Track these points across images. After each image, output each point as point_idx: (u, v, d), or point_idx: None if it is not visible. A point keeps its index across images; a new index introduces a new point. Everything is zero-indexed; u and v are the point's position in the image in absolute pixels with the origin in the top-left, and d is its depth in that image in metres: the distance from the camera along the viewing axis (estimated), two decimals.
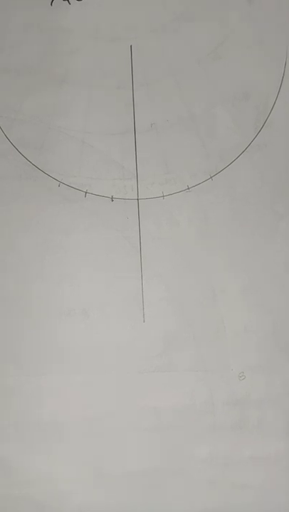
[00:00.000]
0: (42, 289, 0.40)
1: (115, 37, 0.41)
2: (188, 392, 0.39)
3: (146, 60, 0.41)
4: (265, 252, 0.40)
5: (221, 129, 0.41)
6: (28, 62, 0.41)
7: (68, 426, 0.39)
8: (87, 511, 0.39)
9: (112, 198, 0.41)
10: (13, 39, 0.41)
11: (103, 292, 0.40)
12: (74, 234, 0.40)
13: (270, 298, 0.40)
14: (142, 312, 0.40)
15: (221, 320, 0.39)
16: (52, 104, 0.41)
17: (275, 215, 0.40)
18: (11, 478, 0.39)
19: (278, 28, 0.41)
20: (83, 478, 0.39)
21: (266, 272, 0.40)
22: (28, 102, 0.41)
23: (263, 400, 0.39)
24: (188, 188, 0.40)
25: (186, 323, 0.39)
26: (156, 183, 0.40)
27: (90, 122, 0.41)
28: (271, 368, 0.39)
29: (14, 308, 0.40)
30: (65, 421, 0.39)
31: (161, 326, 0.40)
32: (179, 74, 0.41)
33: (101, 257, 0.40)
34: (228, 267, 0.40)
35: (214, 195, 0.40)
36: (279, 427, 0.39)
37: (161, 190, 0.40)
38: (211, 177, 0.40)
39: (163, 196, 0.40)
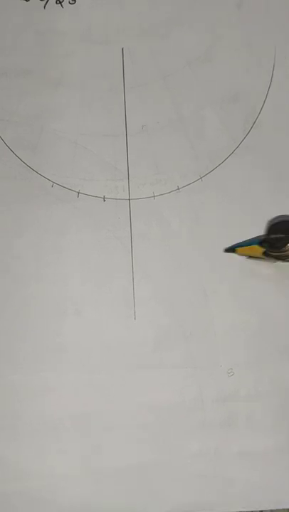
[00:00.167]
0: (36, 288, 0.40)
1: (107, 40, 0.42)
2: (177, 388, 0.40)
3: (138, 62, 0.42)
4: None
5: (210, 131, 0.41)
6: (22, 65, 0.42)
7: (61, 423, 0.39)
8: (80, 506, 0.39)
9: (104, 198, 0.41)
10: (7, 42, 0.42)
11: (95, 291, 0.40)
12: (67, 234, 0.41)
13: (258, 297, 0.40)
14: (133, 310, 0.40)
15: (210, 318, 0.40)
16: (46, 106, 0.42)
17: (265, 214, 0.40)
18: (4, 473, 0.39)
19: (267, 32, 0.42)
20: (75, 474, 0.39)
21: (255, 270, 0.40)
22: (23, 104, 0.42)
23: (252, 396, 0.39)
24: (178, 189, 0.41)
25: (177, 322, 0.40)
26: (147, 184, 0.41)
27: (83, 124, 0.42)
28: (259, 365, 0.40)
29: (8, 308, 0.40)
30: (58, 418, 0.39)
31: (152, 324, 0.40)
32: (169, 76, 0.42)
33: (93, 257, 0.41)
34: (218, 267, 0.40)
35: (204, 195, 0.41)
36: (267, 423, 0.39)
37: (152, 191, 0.41)
38: (200, 177, 0.41)
39: (154, 196, 0.41)
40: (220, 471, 0.39)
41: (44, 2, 0.42)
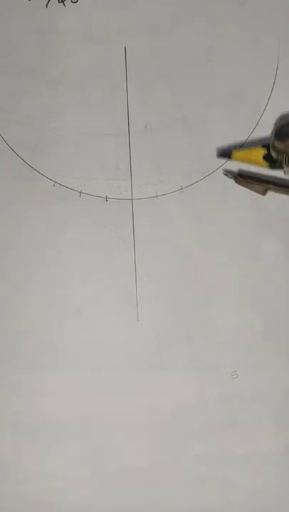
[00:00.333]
0: (37, 288, 0.40)
1: (109, 39, 0.42)
2: (180, 390, 0.39)
3: (140, 62, 0.42)
4: (258, 252, 0.40)
5: (214, 130, 0.41)
6: (24, 64, 0.42)
7: (63, 424, 0.39)
8: (81, 508, 0.39)
9: (106, 198, 0.41)
10: (8, 41, 0.42)
11: (97, 291, 0.40)
12: (69, 233, 0.41)
13: (261, 298, 0.40)
14: (136, 311, 0.40)
15: (213, 319, 0.40)
16: (47, 106, 0.42)
17: (267, 214, 0.40)
18: (6, 475, 0.39)
19: (270, 30, 0.41)
20: (77, 476, 0.39)
21: (258, 272, 0.40)
22: (24, 104, 0.42)
23: (255, 399, 0.39)
24: (181, 188, 0.41)
25: (180, 323, 0.40)
26: (150, 184, 0.41)
27: (85, 123, 0.41)
28: (263, 367, 0.39)
29: (8, 308, 0.40)
30: (60, 419, 0.39)
31: (155, 325, 0.40)
32: (172, 76, 0.41)
33: (95, 257, 0.40)
34: (221, 267, 0.40)
35: (207, 195, 0.41)
36: (270, 426, 0.39)
37: (155, 191, 0.41)
38: (204, 177, 0.41)
39: (157, 196, 0.41)
40: (222, 474, 0.39)
41: (46, 1, 0.42)
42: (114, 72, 0.42)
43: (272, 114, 0.41)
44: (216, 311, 0.40)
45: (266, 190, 0.38)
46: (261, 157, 0.38)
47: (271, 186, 0.38)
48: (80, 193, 0.41)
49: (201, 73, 0.41)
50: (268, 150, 0.38)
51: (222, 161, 0.41)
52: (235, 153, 0.39)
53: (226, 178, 0.40)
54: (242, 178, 0.39)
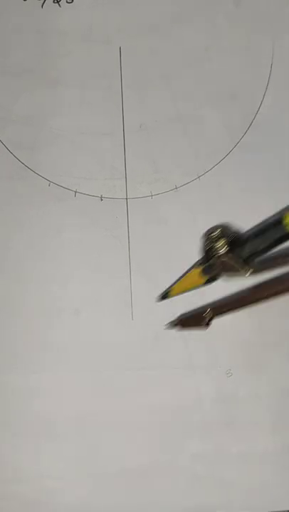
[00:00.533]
0: (33, 288, 0.40)
1: (104, 39, 0.42)
2: (176, 389, 0.39)
3: (136, 61, 0.42)
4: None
5: (209, 130, 0.41)
6: (20, 64, 0.42)
7: (59, 423, 0.39)
8: (77, 508, 0.39)
9: (101, 197, 0.41)
10: (4, 41, 0.42)
11: (93, 291, 0.40)
12: (64, 233, 0.41)
13: None
14: (131, 310, 0.40)
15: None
16: (43, 105, 0.42)
17: (261, 214, 0.40)
18: (2, 475, 0.39)
19: (265, 31, 0.42)
20: (74, 476, 0.39)
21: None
22: (20, 103, 0.42)
23: (250, 397, 0.39)
24: (176, 188, 0.41)
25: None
26: (144, 183, 0.41)
27: (81, 123, 0.42)
28: (258, 365, 0.39)
29: (5, 308, 0.40)
30: (56, 419, 0.39)
31: (150, 324, 0.40)
32: (167, 75, 0.42)
33: (91, 256, 0.40)
34: None
35: (202, 194, 0.41)
36: (266, 424, 0.39)
37: (150, 190, 0.41)
38: (198, 177, 0.41)
39: (151, 196, 0.41)
40: (219, 473, 0.39)
41: (42, 1, 0.42)
42: (109, 71, 0.42)
43: (266, 114, 0.41)
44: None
45: (210, 321, 0.39)
46: (199, 276, 0.39)
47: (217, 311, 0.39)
48: (76, 192, 0.41)
49: (196, 73, 0.42)
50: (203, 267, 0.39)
51: (217, 160, 0.41)
52: (173, 289, 0.40)
53: (221, 177, 0.41)
54: (184, 321, 0.39)
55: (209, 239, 0.38)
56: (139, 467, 0.39)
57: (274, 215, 0.38)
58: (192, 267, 0.39)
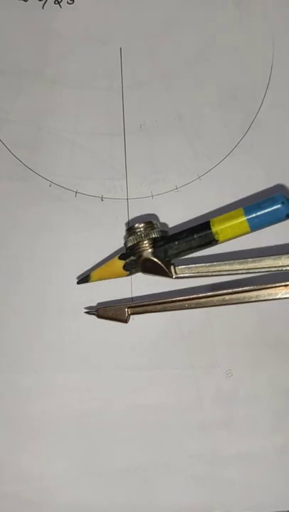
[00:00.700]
0: (32, 288, 0.40)
1: (105, 39, 0.42)
2: (175, 389, 0.39)
3: (136, 62, 0.42)
4: (253, 250, 0.40)
5: (209, 130, 0.41)
6: (19, 64, 0.42)
7: (59, 423, 0.39)
8: (75, 508, 0.39)
9: (102, 197, 0.41)
10: (4, 41, 0.42)
11: (93, 291, 0.40)
12: (65, 233, 0.41)
13: None
14: None
15: (208, 318, 0.40)
16: (43, 105, 0.42)
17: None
18: (1, 475, 0.39)
19: (265, 31, 0.42)
20: (72, 475, 0.39)
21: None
22: (20, 103, 0.42)
23: (250, 397, 0.39)
24: (176, 188, 0.41)
25: (174, 321, 0.40)
26: (145, 183, 0.41)
27: (81, 123, 0.42)
28: (258, 365, 0.39)
29: (4, 308, 0.40)
30: (54, 418, 0.39)
31: (150, 324, 0.40)
32: (167, 75, 0.42)
33: (91, 257, 0.40)
34: None
35: (202, 195, 0.41)
36: (265, 424, 0.39)
37: (150, 190, 0.41)
38: (199, 177, 0.41)
39: (152, 196, 0.41)
40: (218, 473, 0.39)
41: (42, 2, 0.43)
42: (109, 72, 0.42)
43: (266, 114, 0.41)
44: (210, 310, 0.40)
45: (128, 316, 0.39)
46: (121, 269, 0.38)
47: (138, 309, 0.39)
48: (76, 192, 0.41)
49: (196, 73, 0.42)
50: (126, 259, 0.38)
51: (218, 160, 0.41)
52: (93, 274, 0.39)
53: (221, 177, 0.41)
54: (102, 310, 0.39)
55: (134, 234, 0.38)
56: (139, 467, 0.39)
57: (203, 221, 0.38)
58: (114, 257, 0.39)
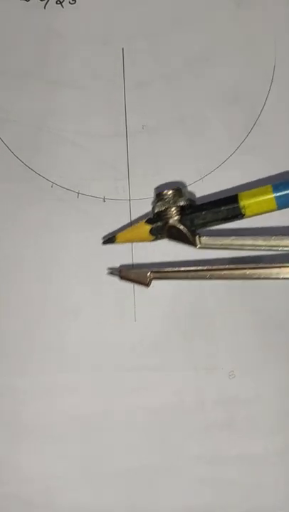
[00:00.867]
0: (34, 288, 0.40)
1: (107, 40, 0.42)
2: (178, 391, 0.39)
3: (138, 62, 0.42)
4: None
5: (211, 131, 0.41)
6: (21, 65, 0.42)
7: (60, 424, 0.39)
8: (77, 509, 0.39)
9: (104, 198, 0.41)
10: (6, 42, 0.42)
11: (95, 292, 0.40)
12: (66, 234, 0.41)
13: (260, 298, 0.40)
14: (134, 311, 0.40)
15: (211, 319, 0.40)
16: (45, 106, 0.42)
17: (265, 215, 0.40)
18: (3, 476, 0.39)
19: (267, 31, 0.41)
20: (73, 477, 0.39)
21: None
22: (22, 104, 0.42)
23: (253, 399, 0.39)
24: None
25: (177, 323, 0.40)
26: (147, 184, 0.41)
27: (83, 124, 0.42)
28: (261, 367, 0.39)
29: (6, 309, 0.40)
30: (55, 419, 0.39)
31: (152, 325, 0.40)
32: (169, 76, 0.42)
33: (92, 257, 0.40)
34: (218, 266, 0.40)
35: (205, 196, 0.41)
36: (268, 426, 0.39)
37: (153, 192, 0.41)
38: (201, 178, 0.41)
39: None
40: (220, 474, 0.39)
41: (44, 2, 0.42)
42: (111, 72, 0.42)
43: (269, 115, 0.41)
44: (213, 311, 0.40)
45: (150, 281, 0.39)
46: (147, 233, 0.38)
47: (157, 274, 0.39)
48: (78, 193, 0.41)
49: (198, 74, 0.41)
50: (152, 224, 0.38)
51: (220, 161, 0.41)
52: (119, 236, 0.39)
53: (224, 178, 0.40)
54: (125, 273, 0.39)
55: (162, 200, 0.38)
56: (141, 468, 0.39)
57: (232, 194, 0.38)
58: (141, 220, 0.39)
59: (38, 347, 0.40)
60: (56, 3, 0.42)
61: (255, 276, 0.38)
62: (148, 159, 0.41)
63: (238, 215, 0.37)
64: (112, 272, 0.40)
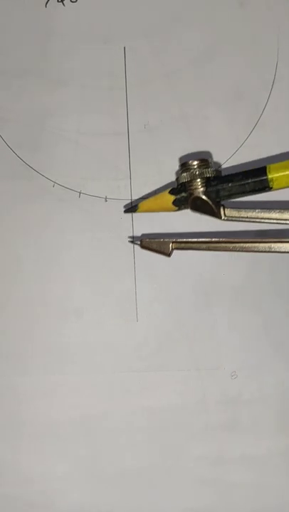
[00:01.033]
0: (35, 288, 0.40)
1: (109, 38, 0.42)
2: (180, 391, 0.39)
3: (140, 61, 0.41)
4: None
5: (213, 130, 0.41)
6: (22, 63, 0.42)
7: (61, 425, 0.39)
8: (80, 510, 0.39)
9: (105, 198, 0.41)
10: (7, 40, 0.42)
11: (96, 292, 0.40)
12: (68, 234, 0.40)
13: (262, 298, 0.40)
14: (136, 312, 0.40)
15: (213, 319, 0.40)
16: (47, 105, 0.41)
17: None
18: (4, 477, 0.39)
19: (269, 30, 0.41)
20: (75, 478, 0.39)
21: (258, 271, 0.40)
22: (23, 103, 0.41)
23: (255, 399, 0.39)
24: None
25: (179, 323, 0.40)
26: (149, 184, 0.41)
27: (84, 123, 0.41)
28: (263, 367, 0.39)
29: (8, 309, 0.40)
30: (58, 420, 0.39)
31: (154, 325, 0.40)
32: (171, 75, 0.41)
33: (94, 257, 0.40)
34: (222, 267, 0.40)
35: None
36: (270, 426, 0.39)
37: (155, 191, 0.41)
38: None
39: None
40: (222, 475, 0.39)
41: (45, 0, 0.42)
42: (113, 71, 0.41)
43: (271, 114, 0.41)
44: (216, 311, 0.40)
45: (172, 251, 0.38)
46: (170, 203, 0.38)
47: (181, 244, 0.39)
48: (80, 193, 0.41)
49: (200, 72, 0.41)
50: (176, 195, 0.38)
51: (222, 160, 0.41)
52: (142, 204, 0.39)
53: None
54: (147, 241, 0.39)
55: (187, 171, 0.37)
56: (143, 469, 0.39)
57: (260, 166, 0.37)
58: (165, 190, 0.38)
59: (39, 347, 0.40)
60: (57, 1, 0.42)
61: (281, 250, 0.37)
62: (150, 158, 0.41)
63: (266, 187, 0.36)
64: (133, 240, 0.39)
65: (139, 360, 0.39)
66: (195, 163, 0.37)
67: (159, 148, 0.41)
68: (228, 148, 0.41)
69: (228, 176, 0.37)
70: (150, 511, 0.39)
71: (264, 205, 0.38)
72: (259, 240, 0.38)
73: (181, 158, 0.40)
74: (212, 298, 0.40)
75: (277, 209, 0.37)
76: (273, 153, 0.41)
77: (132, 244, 0.40)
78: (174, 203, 0.38)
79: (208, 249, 0.38)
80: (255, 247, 0.38)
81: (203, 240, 0.38)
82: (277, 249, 0.37)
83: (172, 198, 0.38)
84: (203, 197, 0.37)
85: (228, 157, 0.41)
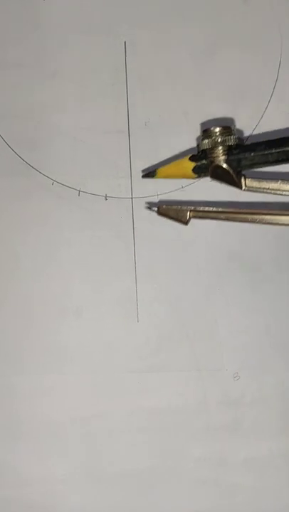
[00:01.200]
0: (34, 287, 0.40)
1: (109, 33, 0.41)
2: (181, 392, 0.39)
3: (141, 56, 0.41)
4: (259, 251, 0.40)
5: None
6: (21, 58, 0.41)
7: (61, 426, 0.39)
8: (80, 511, 0.39)
9: (105, 196, 0.40)
10: (5, 34, 0.41)
11: (96, 291, 0.40)
12: (67, 232, 0.40)
13: (263, 299, 0.39)
14: (136, 312, 0.39)
15: (214, 320, 0.39)
16: (45, 102, 0.41)
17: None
18: (5, 478, 0.39)
19: (273, 28, 0.41)
20: (76, 479, 0.39)
21: (259, 271, 0.39)
22: (21, 99, 0.41)
23: (257, 401, 0.39)
24: (182, 187, 0.40)
25: (180, 323, 0.39)
26: (150, 182, 0.40)
27: (84, 120, 0.41)
28: (265, 369, 0.39)
29: (7, 308, 0.39)
30: (58, 421, 0.39)
31: (155, 325, 0.39)
32: (173, 71, 0.41)
33: (94, 256, 0.40)
34: (222, 268, 0.40)
35: (209, 194, 0.40)
36: (272, 428, 0.39)
37: (156, 189, 0.40)
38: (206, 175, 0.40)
39: (157, 195, 0.40)
40: (224, 477, 0.39)
41: None
42: (113, 67, 0.41)
43: (274, 113, 0.40)
44: (217, 312, 0.39)
45: (189, 219, 0.38)
46: (190, 170, 0.37)
47: (198, 213, 0.37)
48: (79, 191, 0.40)
49: (202, 69, 0.41)
50: (196, 162, 0.37)
51: None
52: (160, 170, 0.38)
53: None
54: (164, 208, 0.38)
55: (208, 138, 0.36)
56: (143, 470, 0.39)
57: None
58: (185, 156, 0.37)
59: (38, 346, 0.39)
60: None
61: None
62: (150, 156, 0.40)
63: None
64: (150, 207, 0.38)
65: (139, 361, 0.39)
66: (217, 129, 0.36)
67: (160, 146, 0.40)
68: None
69: (251, 144, 0.36)
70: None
71: (286, 177, 0.36)
72: (279, 211, 0.36)
73: (203, 124, 0.39)
74: (213, 298, 0.39)
75: None
76: None
77: (132, 243, 0.40)
78: (194, 170, 0.36)
79: (227, 219, 0.37)
80: (275, 219, 0.36)
81: (223, 209, 0.37)
82: None
83: (192, 164, 0.36)
84: (224, 165, 0.35)
85: None
